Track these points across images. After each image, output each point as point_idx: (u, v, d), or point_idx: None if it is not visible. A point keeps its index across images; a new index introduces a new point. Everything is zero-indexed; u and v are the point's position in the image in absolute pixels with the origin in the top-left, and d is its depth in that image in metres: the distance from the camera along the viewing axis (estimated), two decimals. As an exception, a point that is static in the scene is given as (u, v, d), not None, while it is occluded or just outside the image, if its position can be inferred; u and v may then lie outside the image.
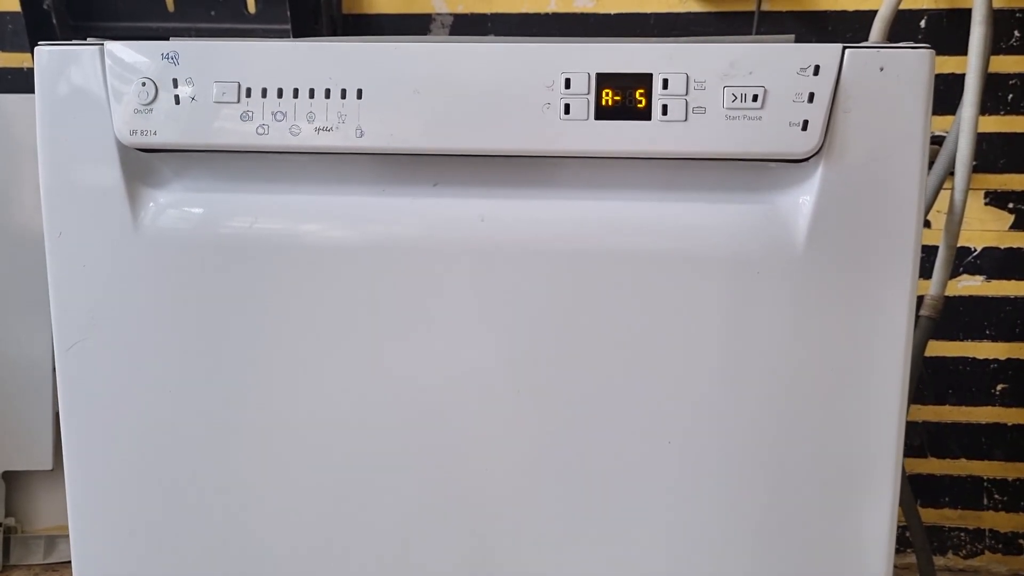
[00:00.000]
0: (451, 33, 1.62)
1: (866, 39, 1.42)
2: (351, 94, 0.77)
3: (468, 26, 1.62)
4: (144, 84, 0.78)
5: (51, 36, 1.50)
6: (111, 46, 0.79)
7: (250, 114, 0.78)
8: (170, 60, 0.78)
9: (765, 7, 1.52)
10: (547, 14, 1.57)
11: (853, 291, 0.75)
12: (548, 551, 0.82)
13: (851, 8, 1.50)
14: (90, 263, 0.82)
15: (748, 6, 1.51)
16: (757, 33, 1.52)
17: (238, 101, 0.78)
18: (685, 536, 0.80)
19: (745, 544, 0.80)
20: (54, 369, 1.33)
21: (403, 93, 0.76)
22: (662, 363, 0.78)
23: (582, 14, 1.57)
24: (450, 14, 1.63)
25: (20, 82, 1.61)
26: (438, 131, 0.76)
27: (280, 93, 0.77)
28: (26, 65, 1.62)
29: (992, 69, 1.46)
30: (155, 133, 0.78)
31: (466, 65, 0.75)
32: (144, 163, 0.81)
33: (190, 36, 1.59)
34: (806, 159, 0.74)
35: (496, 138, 0.75)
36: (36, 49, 0.81)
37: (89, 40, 0.81)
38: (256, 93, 0.77)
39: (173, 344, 0.82)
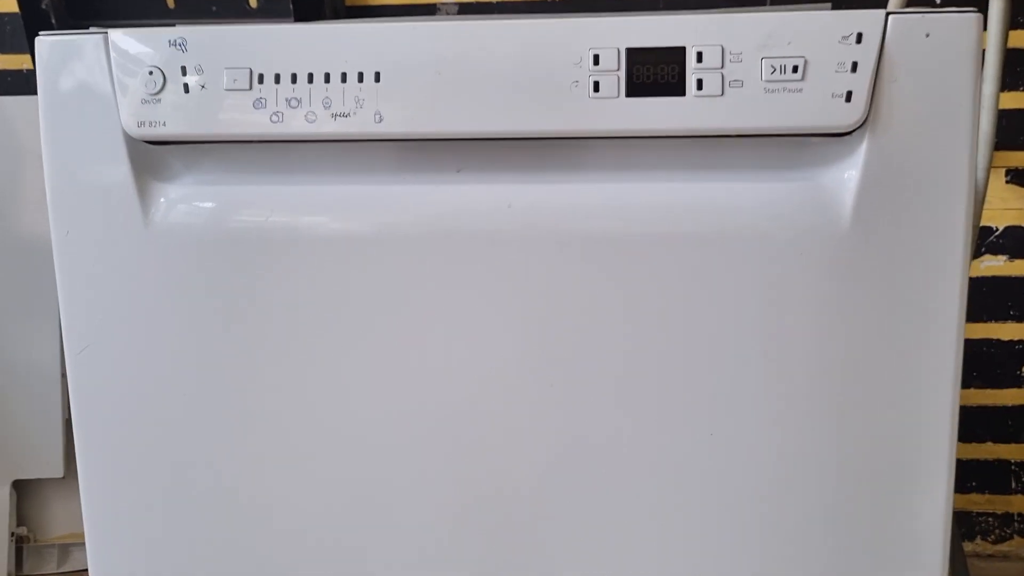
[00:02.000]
0: (456, 22, 1.58)
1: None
2: (368, 77, 0.73)
3: (472, 14, 1.59)
4: (151, 73, 0.75)
5: (49, 36, 1.48)
6: (115, 35, 0.76)
7: (263, 101, 0.74)
8: (177, 47, 0.75)
9: (787, -20, 1.48)
10: (554, 1, 1.54)
11: (902, 270, 0.71)
12: (586, 551, 0.78)
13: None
14: (100, 262, 0.78)
15: (772, -23, 1.46)
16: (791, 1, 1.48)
17: (250, 88, 0.74)
18: (730, 531, 0.77)
19: (794, 537, 0.76)
20: (63, 374, 1.30)
21: (424, 75, 0.72)
22: (702, 350, 0.74)
23: (593, -1, 1.53)
24: (455, 3, 1.60)
25: (20, 84, 1.58)
26: (461, 114, 0.72)
27: (294, 78, 0.74)
28: (26, 67, 1.59)
29: (1011, 44, 1.43)
30: (164, 124, 0.75)
31: (489, 44, 0.72)
32: (153, 156, 0.78)
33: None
34: (850, 132, 0.71)
35: (522, 120, 0.72)
36: (37, 40, 0.78)
37: (92, 29, 0.77)
38: (269, 79, 0.74)
39: (188, 344, 0.78)
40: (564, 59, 0.71)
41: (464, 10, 1.60)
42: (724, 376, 0.74)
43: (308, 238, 0.76)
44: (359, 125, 0.73)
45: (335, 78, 0.73)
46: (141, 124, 0.75)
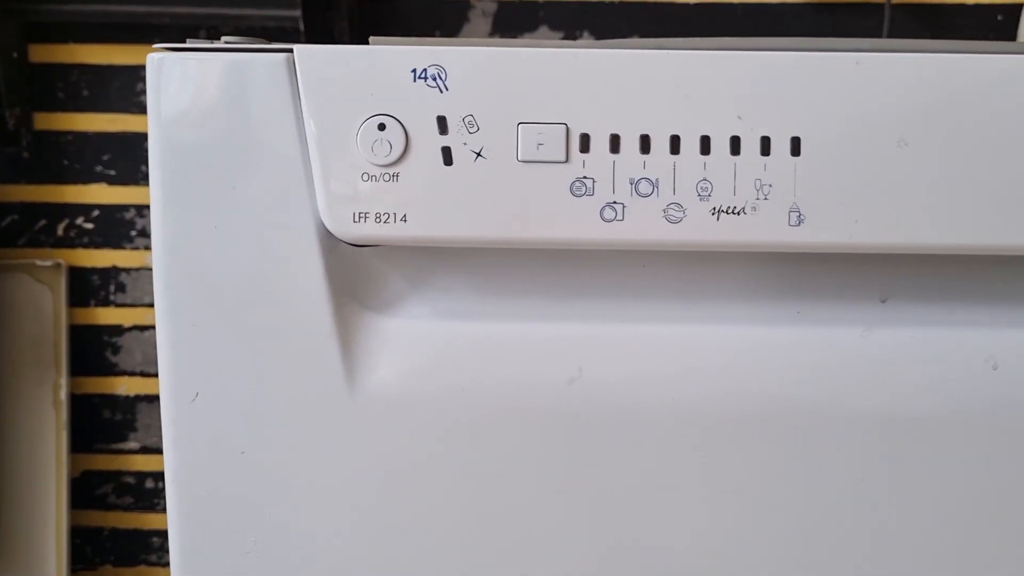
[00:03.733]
0: (494, 25, 1.28)
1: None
2: (779, 146, 0.42)
3: (514, 16, 1.28)
4: (382, 127, 0.41)
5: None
6: (308, 54, 0.42)
7: (588, 184, 0.42)
8: (432, 81, 0.41)
9: (896, -3, 1.20)
10: (612, 3, 1.24)
11: None
12: None
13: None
14: (262, 446, 0.44)
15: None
16: (889, 34, 1.21)
17: (566, 159, 0.42)
18: None
19: None
20: None
21: (883, 143, 0.42)
22: None
23: (654, 3, 1.24)
24: (493, 0, 1.29)
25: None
26: (939, 211, 0.42)
27: (645, 146, 0.42)
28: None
29: None
30: (404, 219, 0.42)
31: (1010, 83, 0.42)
32: (366, 269, 0.44)
33: (164, 24, 1.19)
34: None
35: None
36: (149, 57, 0.43)
37: (241, 40, 0.43)
38: (600, 145, 0.42)
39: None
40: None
41: (504, 10, 1.29)
42: None
43: (640, 413, 0.44)
44: (761, 229, 0.42)
45: (720, 146, 0.42)
46: (360, 217, 0.42)
